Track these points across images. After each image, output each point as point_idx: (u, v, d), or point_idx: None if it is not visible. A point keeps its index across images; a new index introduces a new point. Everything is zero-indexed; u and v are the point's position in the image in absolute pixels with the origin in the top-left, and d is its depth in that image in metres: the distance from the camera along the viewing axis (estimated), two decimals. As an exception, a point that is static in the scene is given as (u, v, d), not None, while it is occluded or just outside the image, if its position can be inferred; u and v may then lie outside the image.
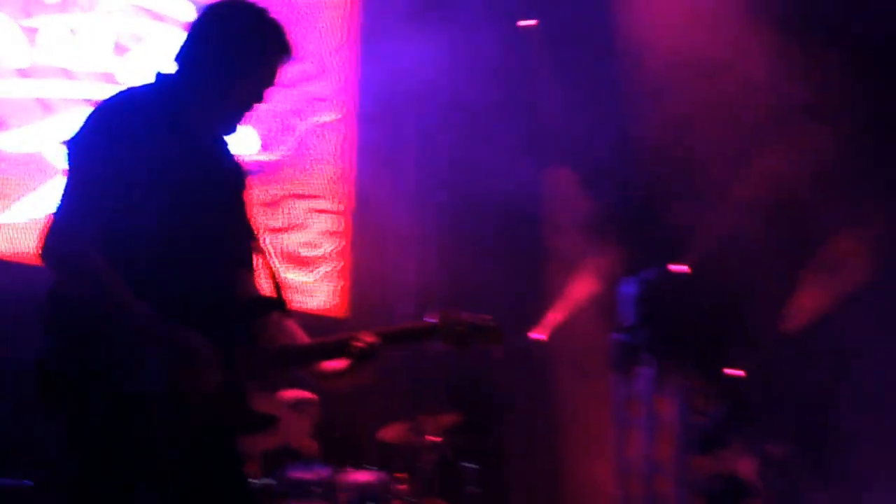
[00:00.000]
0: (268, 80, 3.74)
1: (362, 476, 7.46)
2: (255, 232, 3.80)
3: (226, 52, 3.68)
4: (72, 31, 7.95)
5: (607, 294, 9.00)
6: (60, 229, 3.34)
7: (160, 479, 3.41)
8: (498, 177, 8.96)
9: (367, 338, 3.69)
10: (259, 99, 3.73)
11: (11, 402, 6.81)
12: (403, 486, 7.59)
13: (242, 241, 3.78)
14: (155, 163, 3.43)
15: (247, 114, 3.76)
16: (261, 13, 3.72)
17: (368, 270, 9.46)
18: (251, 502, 3.86)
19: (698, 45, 9.36)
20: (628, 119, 9.78)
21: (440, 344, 3.88)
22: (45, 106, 7.78)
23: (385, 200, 9.54)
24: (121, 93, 3.59)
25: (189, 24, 3.79)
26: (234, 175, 3.81)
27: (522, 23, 10.11)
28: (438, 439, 7.78)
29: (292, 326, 3.81)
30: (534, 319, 9.80)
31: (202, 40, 3.71)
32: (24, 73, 7.73)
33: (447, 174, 10.06)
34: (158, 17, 8.35)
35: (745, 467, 8.78)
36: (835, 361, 9.13)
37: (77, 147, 3.47)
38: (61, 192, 3.39)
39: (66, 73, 7.92)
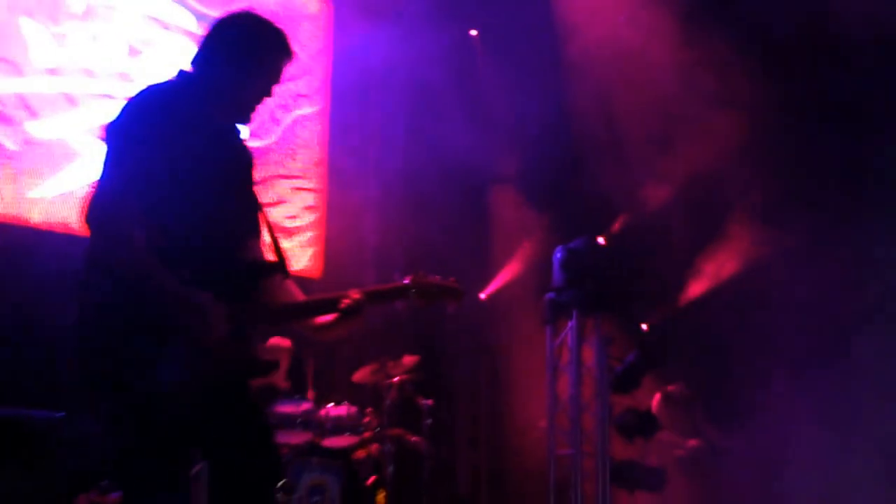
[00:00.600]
0: (274, 77, 3.73)
1: (338, 410, 7.58)
2: (261, 206, 3.77)
3: (240, 54, 3.67)
4: (93, 36, 8.01)
5: (541, 259, 8.95)
6: (104, 201, 3.32)
7: (189, 421, 3.38)
8: (448, 155, 8.97)
9: (354, 295, 3.73)
10: (268, 93, 3.73)
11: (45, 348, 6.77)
12: (372, 419, 7.65)
13: (251, 214, 3.74)
14: (180, 147, 3.42)
15: (258, 106, 3.74)
16: (267, 22, 3.73)
17: (338, 238, 9.53)
18: (270, 436, 3.75)
19: (621, 30, 9.24)
20: (561, 100, 9.55)
21: (413, 301, 3.95)
22: (70, 100, 7.87)
23: (352, 180, 9.67)
24: (149, 87, 3.58)
25: (203, 32, 3.76)
26: (244, 158, 3.79)
27: (473, 32, 10.04)
28: (400, 379, 7.77)
29: (291, 286, 3.81)
30: (480, 278, 9.80)
31: (219, 45, 3.69)
32: (52, 72, 7.79)
33: (403, 156, 10.10)
34: (165, 26, 8.45)
35: (652, 403, 8.97)
36: (730, 317, 9.00)
37: (117, 132, 3.43)
38: (102, 169, 3.37)
39: (88, 72, 8.00)
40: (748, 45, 8.75)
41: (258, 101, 3.73)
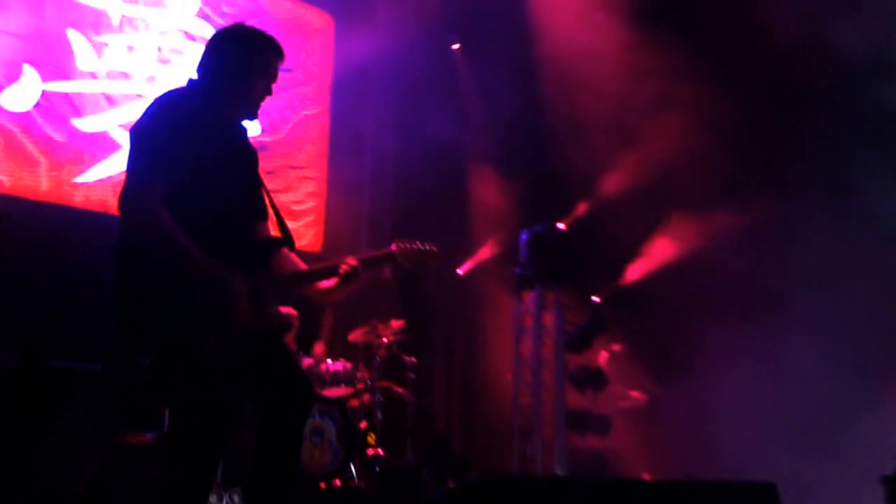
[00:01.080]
0: (271, 76, 3.73)
1: (335, 366, 7.69)
2: (267, 191, 3.79)
3: (239, 61, 3.68)
4: (128, 45, 8.13)
5: (510, 239, 9.06)
6: (131, 188, 3.37)
7: (220, 368, 3.38)
8: (431, 143, 8.90)
9: (351, 262, 3.78)
10: (268, 91, 3.75)
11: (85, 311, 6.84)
12: (364, 373, 7.70)
13: (257, 199, 3.75)
14: (192, 142, 3.43)
15: (261, 102, 3.76)
16: (258, 32, 3.74)
17: (336, 218, 9.49)
18: (300, 377, 3.72)
19: (584, 32, 9.09)
20: (531, 96, 9.38)
21: (401, 264, 4.00)
22: (110, 99, 7.99)
23: (348, 169, 9.66)
24: (165, 92, 3.61)
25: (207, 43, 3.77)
26: (250, 151, 3.77)
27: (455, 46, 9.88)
28: (388, 340, 7.80)
29: (295, 258, 3.83)
30: (460, 249, 9.71)
31: (220, 54, 3.70)
32: (93, 75, 7.90)
33: (392, 146, 9.99)
34: (191, 38, 8.52)
35: (601, 360, 9.24)
36: (671, 288, 8.93)
37: (140, 130, 3.47)
38: (128, 161, 3.42)
39: (124, 75, 8.09)
40: (695, 48, 8.62)
41: (261, 98, 3.74)
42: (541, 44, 9.28)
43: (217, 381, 3.38)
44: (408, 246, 4.07)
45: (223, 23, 8.40)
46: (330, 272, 3.83)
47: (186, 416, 3.41)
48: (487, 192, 9.77)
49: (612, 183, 9.29)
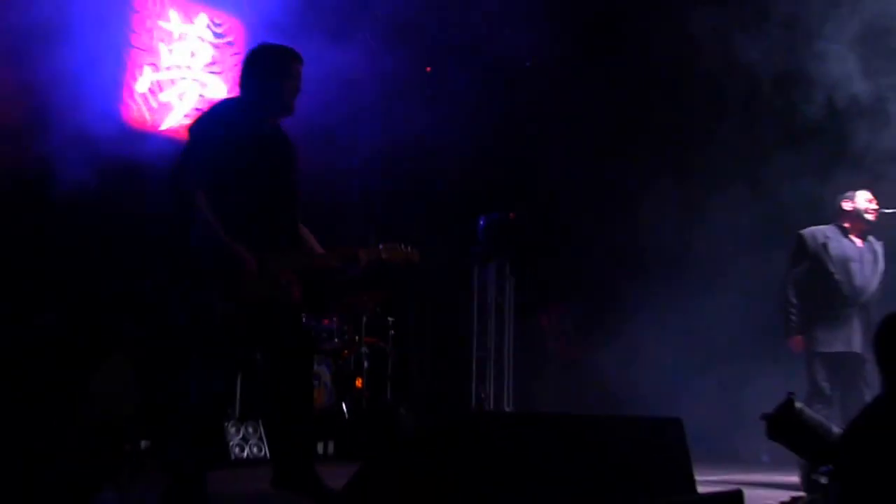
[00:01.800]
0: (296, 77, 3.80)
1: (331, 324, 7.65)
2: (298, 187, 3.81)
3: (268, 72, 3.76)
4: (191, 52, 8.25)
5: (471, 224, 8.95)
6: (177, 174, 3.53)
7: (232, 326, 3.51)
8: (412, 137, 8.53)
9: (363, 256, 3.88)
10: (297, 90, 3.80)
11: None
12: (354, 330, 7.69)
13: (288, 193, 3.77)
14: (230, 146, 3.54)
15: (293, 100, 3.80)
16: (277, 46, 3.87)
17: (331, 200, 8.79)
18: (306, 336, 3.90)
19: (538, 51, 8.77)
20: (476, 110, 8.88)
21: (386, 260, 4.05)
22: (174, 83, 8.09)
23: (342, 156, 9.09)
24: (217, 102, 3.91)
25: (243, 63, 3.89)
26: (285, 153, 3.80)
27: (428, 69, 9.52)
28: (373, 304, 7.82)
29: (313, 243, 3.92)
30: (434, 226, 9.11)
31: (252, 68, 3.81)
32: (168, 69, 8.05)
33: (380, 138, 9.23)
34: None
35: (546, 322, 9.42)
36: (599, 261, 9.08)
37: (193, 130, 3.70)
38: (180, 154, 3.62)
39: (188, 68, 8.19)
40: (626, 62, 8.56)
41: (292, 96, 3.79)
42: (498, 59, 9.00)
43: (219, 333, 3.51)
44: (395, 247, 4.11)
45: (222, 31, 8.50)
46: (337, 259, 3.93)
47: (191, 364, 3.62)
48: (454, 184, 9.58)
49: (555, 177, 9.28)
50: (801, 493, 4.32)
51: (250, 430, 6.39)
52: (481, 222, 8.72)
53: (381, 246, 4.08)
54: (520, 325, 8.89)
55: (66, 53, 6.65)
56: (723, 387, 7.81)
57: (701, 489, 3.36)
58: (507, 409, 8.43)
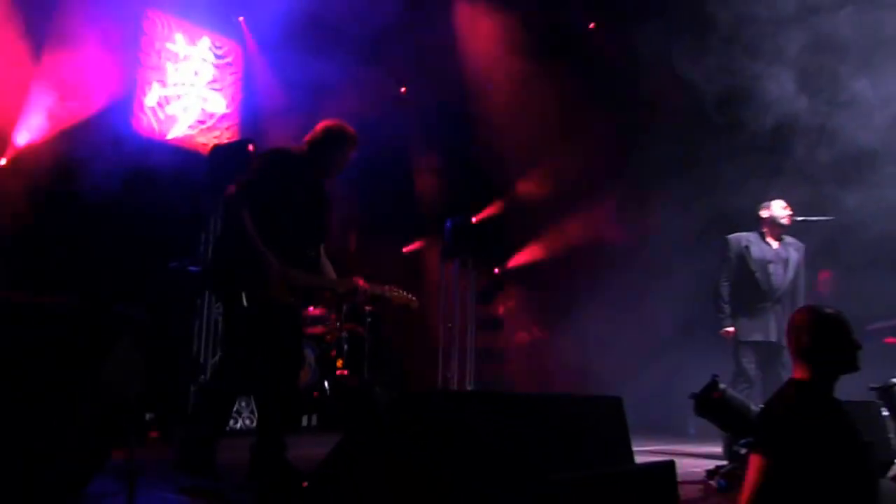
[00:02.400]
0: (348, 157, 4.04)
1: (316, 311, 7.57)
2: (328, 228, 4.04)
3: (332, 146, 3.97)
4: (194, 71, 8.10)
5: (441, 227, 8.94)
6: (232, 196, 3.69)
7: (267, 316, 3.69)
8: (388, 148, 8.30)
9: (357, 285, 3.99)
10: (344, 166, 4.05)
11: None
12: (336, 317, 7.59)
13: (318, 229, 3.97)
14: (280, 184, 3.78)
15: (338, 172, 4.06)
16: (348, 132, 4.02)
17: None
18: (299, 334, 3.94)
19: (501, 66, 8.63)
20: (463, 114, 8.86)
21: (388, 299, 4.20)
22: (179, 97, 7.91)
23: None
24: (281, 148, 3.99)
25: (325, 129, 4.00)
26: (323, 200, 4.00)
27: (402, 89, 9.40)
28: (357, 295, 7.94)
29: (329, 269, 4.07)
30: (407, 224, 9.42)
31: (323, 139, 3.96)
32: (175, 85, 7.90)
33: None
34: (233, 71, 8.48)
35: (503, 312, 9.38)
36: (553, 259, 9.08)
37: (250, 165, 4.02)
38: (243, 177, 3.77)
39: (191, 85, 8.03)
40: (585, 83, 8.42)
41: (339, 170, 4.07)
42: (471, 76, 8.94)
43: (256, 315, 3.70)
44: (395, 293, 4.23)
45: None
46: (341, 286, 4.05)
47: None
48: (426, 190, 9.55)
49: (517, 188, 9.27)
50: (724, 462, 4.32)
51: (243, 403, 6.30)
52: (447, 224, 8.71)
53: (387, 287, 4.20)
54: (480, 314, 8.90)
55: (85, 70, 6.56)
56: (661, 369, 7.77)
57: (638, 459, 3.32)
58: (468, 388, 8.46)
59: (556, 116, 8.64)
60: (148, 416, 5.82)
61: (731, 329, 5.55)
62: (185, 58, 8.15)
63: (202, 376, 6.42)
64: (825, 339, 2.68)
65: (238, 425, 6.20)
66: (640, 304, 7.82)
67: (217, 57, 8.41)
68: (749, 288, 5.60)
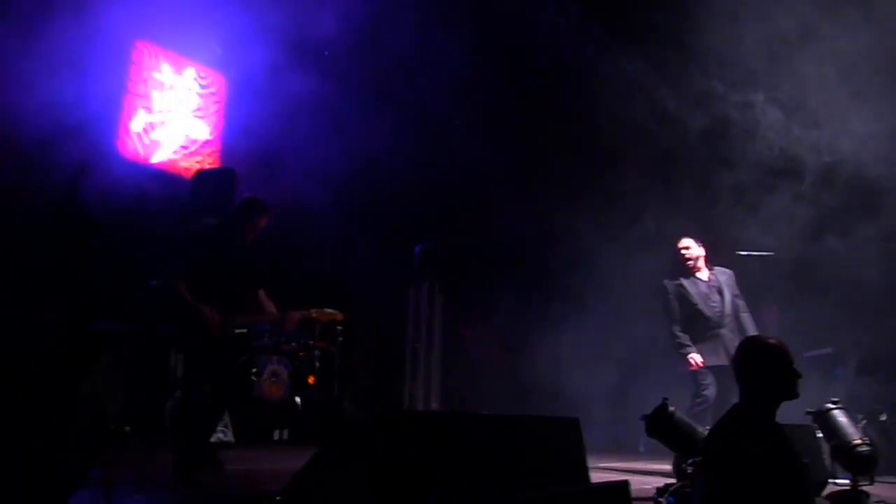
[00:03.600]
0: (263, 222, 4.56)
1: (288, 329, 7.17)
2: (256, 276, 4.51)
3: (250, 215, 4.52)
4: (179, 100, 8.09)
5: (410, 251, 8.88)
6: (169, 270, 4.33)
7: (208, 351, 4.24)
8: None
9: (285, 316, 4.55)
10: (260, 228, 4.54)
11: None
12: (308, 336, 7.43)
13: (247, 279, 4.47)
14: (208, 251, 4.34)
15: (258, 232, 4.54)
16: (261, 203, 4.58)
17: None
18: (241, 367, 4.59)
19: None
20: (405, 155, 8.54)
21: (316, 319, 4.80)
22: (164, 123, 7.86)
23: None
24: (209, 226, 4.44)
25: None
26: (249, 259, 4.51)
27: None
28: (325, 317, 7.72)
29: (268, 304, 4.58)
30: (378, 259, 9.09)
31: (243, 211, 4.55)
32: (160, 112, 7.89)
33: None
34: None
35: (468, 334, 9.35)
36: (489, 267, 8.87)
37: (186, 238, 4.45)
38: (174, 251, 4.43)
39: (176, 112, 8.00)
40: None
41: (258, 232, 4.56)
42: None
43: (199, 350, 4.32)
44: (322, 314, 4.76)
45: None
46: (269, 319, 4.75)
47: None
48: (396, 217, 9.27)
49: (480, 210, 9.05)
50: (673, 480, 4.36)
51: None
52: (417, 249, 8.69)
53: (312, 310, 4.66)
54: (446, 336, 8.84)
55: (75, 97, 6.48)
56: (616, 391, 7.76)
57: (593, 475, 3.34)
58: (434, 405, 8.39)
59: (521, 148, 8.60)
60: (126, 428, 5.68)
61: (698, 357, 5.65)
62: (171, 87, 8.11)
63: (178, 391, 6.30)
64: (767, 369, 2.75)
65: (212, 438, 6.07)
66: (601, 329, 7.77)
67: (202, 87, 8.38)
68: (696, 320, 5.76)
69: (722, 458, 2.71)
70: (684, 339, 5.72)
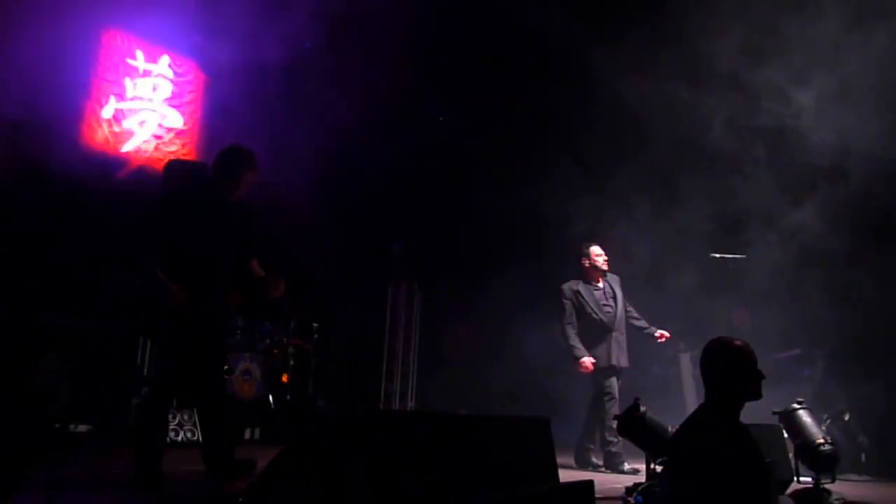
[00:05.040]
0: (253, 176, 4.17)
1: (263, 327, 7.37)
2: (228, 246, 4.13)
3: (235, 167, 4.11)
4: (153, 86, 7.99)
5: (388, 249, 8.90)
6: (142, 244, 3.99)
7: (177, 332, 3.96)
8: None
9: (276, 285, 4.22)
10: (248, 185, 4.15)
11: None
12: (283, 333, 7.50)
13: (225, 245, 4.12)
14: (187, 215, 3.98)
15: (247, 188, 4.15)
16: (249, 153, 4.18)
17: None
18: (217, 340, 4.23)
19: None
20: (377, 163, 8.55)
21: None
22: (136, 112, 7.78)
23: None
24: (175, 190, 4.23)
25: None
26: (236, 224, 4.15)
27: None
28: (300, 312, 7.67)
29: (256, 269, 4.31)
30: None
31: (225, 162, 4.11)
32: (132, 99, 7.86)
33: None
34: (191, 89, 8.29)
35: (446, 333, 9.48)
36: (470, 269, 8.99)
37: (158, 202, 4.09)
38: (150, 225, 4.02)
39: (148, 100, 8.00)
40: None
41: (248, 187, 4.17)
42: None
43: (166, 334, 4.02)
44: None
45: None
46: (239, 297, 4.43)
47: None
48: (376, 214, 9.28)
49: (460, 210, 9.22)
50: (642, 479, 4.43)
51: (185, 416, 6.21)
52: (395, 246, 8.74)
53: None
54: (424, 335, 8.88)
55: (36, 84, 6.43)
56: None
57: (566, 474, 3.39)
58: (410, 404, 8.44)
59: (500, 152, 8.68)
60: (86, 428, 5.65)
61: (590, 359, 6.18)
62: (145, 73, 8.04)
63: (144, 388, 6.30)
64: (731, 370, 2.82)
65: (180, 438, 6.10)
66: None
67: (176, 74, 8.31)
68: (591, 324, 6.31)
69: (686, 458, 2.78)
70: (576, 341, 6.22)
